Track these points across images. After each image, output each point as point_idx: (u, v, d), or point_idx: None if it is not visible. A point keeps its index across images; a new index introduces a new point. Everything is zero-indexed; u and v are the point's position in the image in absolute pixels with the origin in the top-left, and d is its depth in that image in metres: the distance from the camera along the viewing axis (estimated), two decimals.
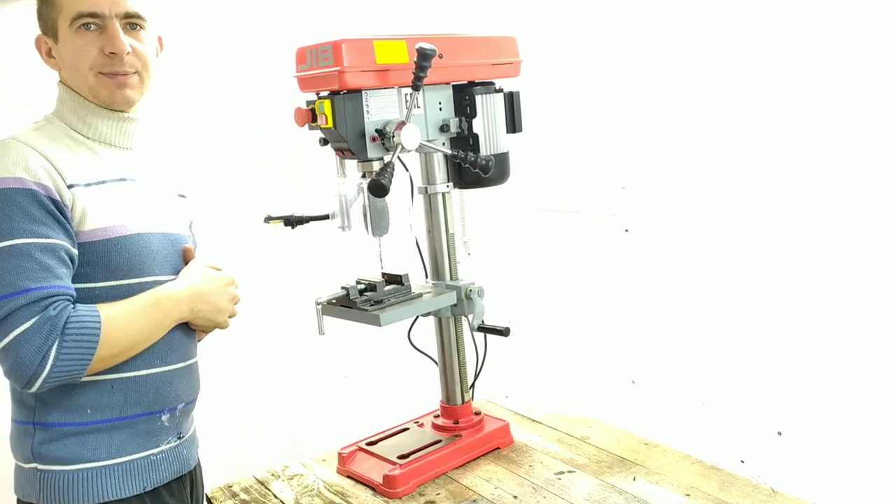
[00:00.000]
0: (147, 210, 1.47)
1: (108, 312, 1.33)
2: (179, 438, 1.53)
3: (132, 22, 1.45)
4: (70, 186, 1.34)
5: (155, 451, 1.47)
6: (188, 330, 1.54)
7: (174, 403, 1.50)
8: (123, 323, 1.34)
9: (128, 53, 1.42)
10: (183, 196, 1.67)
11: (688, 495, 1.63)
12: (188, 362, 1.54)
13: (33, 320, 1.24)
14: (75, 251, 1.33)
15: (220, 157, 2.63)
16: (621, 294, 2.70)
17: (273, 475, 1.91)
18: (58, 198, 1.31)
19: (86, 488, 1.38)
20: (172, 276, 1.48)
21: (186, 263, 1.54)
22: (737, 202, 2.31)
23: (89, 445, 1.38)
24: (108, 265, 1.38)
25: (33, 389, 1.26)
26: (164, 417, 1.48)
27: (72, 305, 1.29)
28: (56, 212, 1.31)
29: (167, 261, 1.48)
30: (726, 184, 2.33)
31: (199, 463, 1.67)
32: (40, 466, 1.38)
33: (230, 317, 1.58)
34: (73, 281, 1.33)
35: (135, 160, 1.52)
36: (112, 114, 1.46)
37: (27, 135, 1.38)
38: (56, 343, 1.25)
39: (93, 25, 1.40)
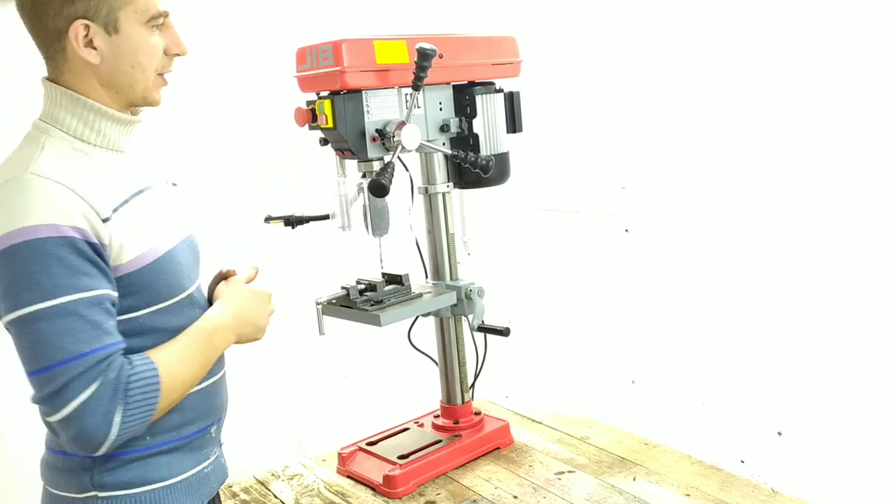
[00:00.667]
0: (164, 220, 1.39)
1: (163, 359, 1.27)
2: (220, 447, 1.51)
3: None
4: (105, 220, 1.23)
5: (206, 463, 1.44)
6: None
7: (220, 414, 1.48)
8: (179, 369, 1.29)
9: None
10: (175, 184, 1.62)
11: (688, 495, 1.63)
12: (224, 369, 1.51)
13: (94, 387, 1.17)
14: (116, 294, 1.25)
15: (220, 157, 2.63)
16: (621, 294, 2.70)
17: (273, 475, 1.91)
18: (95, 240, 1.21)
19: None
20: (198, 283, 1.44)
21: (223, 280, 1.49)
22: (737, 202, 2.31)
23: (152, 467, 1.35)
24: (150, 292, 1.31)
25: (99, 454, 1.22)
26: (213, 429, 1.46)
27: (127, 361, 1.22)
28: (95, 257, 1.21)
29: (192, 270, 1.42)
30: (726, 184, 2.33)
31: None
32: (101, 494, 1.32)
33: None
34: (118, 314, 1.27)
35: (134, 164, 1.43)
36: (126, 118, 1.35)
37: (44, 164, 1.23)
38: (120, 407, 1.19)
39: (162, 22, 1.33)
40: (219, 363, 1.46)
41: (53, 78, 1.31)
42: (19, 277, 1.16)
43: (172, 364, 1.28)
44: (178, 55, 1.37)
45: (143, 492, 1.34)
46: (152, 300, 1.31)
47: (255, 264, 1.56)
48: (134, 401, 1.20)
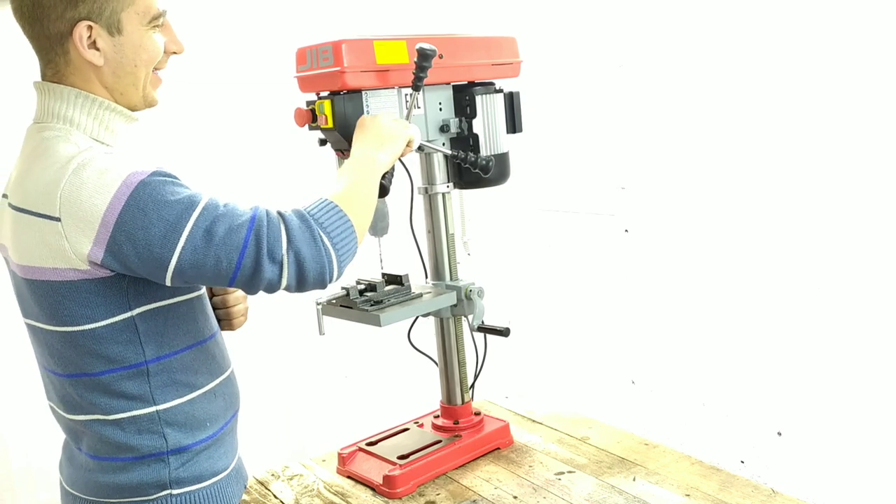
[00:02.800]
0: None
1: (331, 192, 1.33)
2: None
3: None
4: None
5: (239, 448, 1.51)
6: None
7: (240, 399, 1.53)
8: (355, 196, 1.36)
9: None
10: None
11: (688, 495, 1.63)
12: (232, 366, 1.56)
13: (282, 230, 1.22)
14: None
15: (219, 157, 2.64)
16: (621, 294, 2.71)
17: (273, 475, 1.91)
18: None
19: (219, 499, 1.40)
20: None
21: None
22: (736, 202, 2.31)
23: (215, 457, 1.40)
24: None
25: (335, 277, 1.26)
26: (239, 414, 1.52)
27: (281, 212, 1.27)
28: None
29: None
30: (726, 184, 2.33)
31: None
32: (175, 491, 1.35)
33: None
34: (180, 294, 1.33)
35: None
36: (133, 116, 1.38)
37: (93, 146, 1.27)
38: (317, 228, 1.24)
39: (161, 22, 1.35)
40: (229, 356, 1.51)
41: (56, 81, 1.31)
42: (160, 208, 1.18)
43: (343, 194, 1.34)
44: (175, 53, 1.39)
45: (211, 484, 1.39)
46: (188, 287, 1.37)
47: None
48: (322, 215, 1.26)
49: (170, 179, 1.22)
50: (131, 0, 1.29)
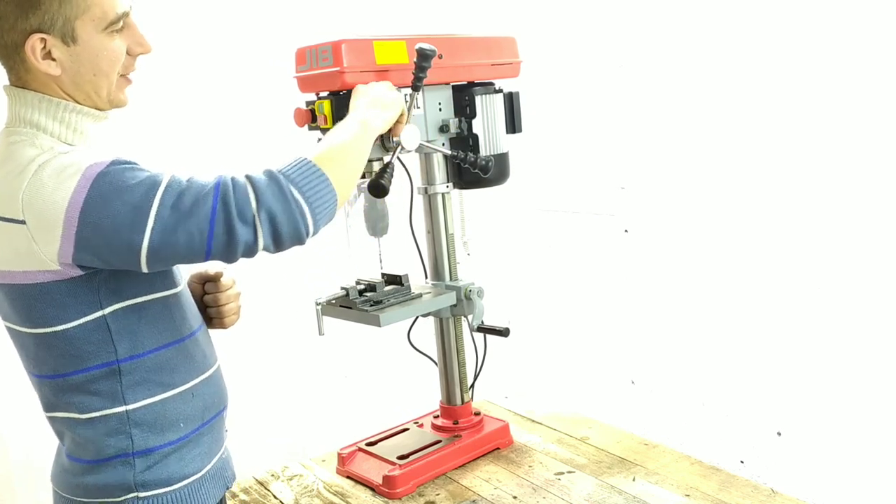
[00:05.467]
0: None
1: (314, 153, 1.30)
2: (227, 433, 1.54)
3: None
4: None
5: (222, 449, 1.48)
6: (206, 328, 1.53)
7: (227, 398, 1.51)
8: (337, 152, 1.34)
9: None
10: None
11: (687, 496, 1.63)
12: (218, 362, 1.53)
13: (250, 188, 1.19)
14: None
15: (219, 157, 2.63)
16: (621, 294, 2.71)
17: (273, 475, 1.91)
18: None
19: (190, 502, 1.37)
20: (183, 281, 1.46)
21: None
22: (736, 202, 2.31)
23: (187, 459, 1.37)
24: (170, 272, 1.36)
25: (311, 232, 1.25)
26: (224, 414, 1.49)
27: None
28: None
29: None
30: (726, 184, 2.33)
31: None
32: (142, 494, 1.33)
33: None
34: (151, 292, 1.31)
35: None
36: (102, 115, 1.34)
37: (57, 150, 1.23)
38: (287, 184, 1.22)
39: (122, 25, 1.29)
40: (215, 355, 1.48)
41: (20, 86, 1.29)
42: (123, 194, 1.16)
43: (326, 151, 1.32)
44: (141, 54, 1.33)
45: (181, 487, 1.36)
46: (173, 282, 1.36)
47: (232, 277, 1.56)
48: (295, 175, 1.24)
49: (129, 166, 1.20)
50: (85, 7, 1.24)
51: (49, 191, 1.17)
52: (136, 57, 1.34)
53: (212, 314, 1.54)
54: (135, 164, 1.22)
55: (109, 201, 1.16)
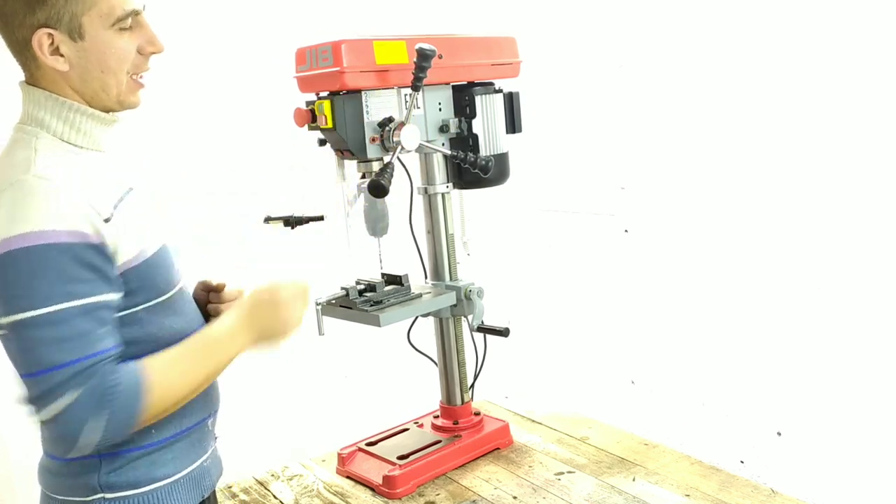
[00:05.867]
0: (151, 217, 1.38)
1: (154, 366, 1.25)
2: (215, 441, 1.52)
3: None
4: (107, 220, 1.23)
5: (205, 456, 1.44)
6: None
7: (216, 405, 1.48)
8: (173, 375, 1.28)
9: None
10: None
11: (687, 496, 1.63)
12: None
13: (75, 395, 1.17)
14: (117, 295, 1.25)
15: (219, 157, 2.63)
16: (621, 294, 2.70)
17: (273, 476, 1.91)
18: (98, 241, 1.20)
19: None
20: (183, 280, 1.43)
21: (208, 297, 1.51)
22: (736, 203, 2.31)
23: (158, 464, 1.35)
24: (150, 287, 1.32)
25: (76, 455, 1.23)
26: (210, 422, 1.46)
27: (111, 370, 1.21)
28: (96, 260, 1.20)
29: (177, 264, 1.42)
30: (725, 184, 2.33)
31: None
32: (108, 495, 1.32)
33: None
34: (122, 309, 1.28)
35: (113, 164, 1.39)
36: (109, 118, 1.33)
37: (44, 165, 1.22)
38: (103, 413, 1.18)
39: (131, 22, 1.27)
40: None
41: (32, 82, 1.29)
42: (16, 283, 1.16)
43: (163, 370, 1.27)
44: (153, 53, 1.31)
45: (150, 490, 1.34)
46: (151, 295, 1.32)
47: (240, 287, 1.54)
48: (116, 408, 1.19)
49: (64, 267, 1.17)
50: (93, 2, 1.24)
51: (2, 212, 1.17)
52: (149, 57, 1.32)
53: None
54: (65, 264, 1.18)
55: (8, 272, 1.16)
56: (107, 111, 1.33)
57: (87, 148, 1.31)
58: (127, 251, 1.26)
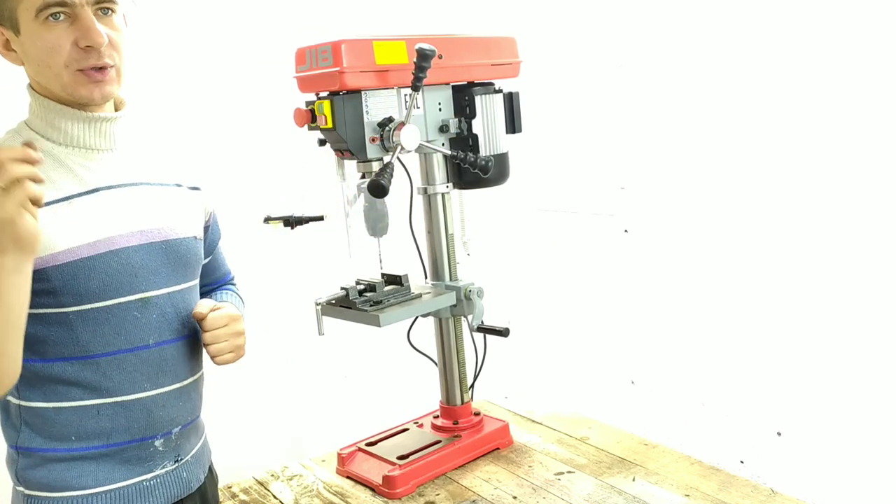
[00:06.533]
0: (129, 220, 1.33)
1: None
2: (177, 461, 1.41)
3: (104, 7, 1.27)
4: None
5: (148, 476, 1.37)
6: (185, 348, 1.40)
7: (169, 427, 1.38)
8: None
9: (105, 45, 1.25)
10: (196, 188, 1.51)
11: (687, 496, 1.63)
12: (184, 382, 1.41)
13: None
14: None
15: (219, 157, 2.63)
16: (621, 294, 2.70)
17: (272, 476, 1.91)
18: None
19: None
20: (168, 290, 1.36)
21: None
22: (736, 203, 2.31)
23: (74, 473, 1.31)
24: (76, 290, 1.26)
25: None
26: (158, 443, 1.37)
27: None
28: None
29: (158, 273, 1.35)
30: (725, 184, 2.33)
31: (212, 474, 1.56)
32: (26, 491, 1.32)
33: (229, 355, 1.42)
34: (47, 307, 1.24)
35: (118, 163, 1.36)
36: (86, 115, 1.29)
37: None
38: None
39: (62, 15, 1.23)
40: (172, 374, 1.38)
41: (29, 77, 1.33)
42: None
43: None
44: (88, 46, 1.25)
45: (63, 497, 1.31)
46: (81, 298, 1.27)
47: (228, 314, 1.43)
48: None
49: None
50: None
51: None
52: (90, 51, 1.25)
53: (209, 352, 1.43)
54: None
55: None
56: (79, 106, 1.30)
57: (64, 144, 1.30)
58: (48, 246, 1.22)
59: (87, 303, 1.28)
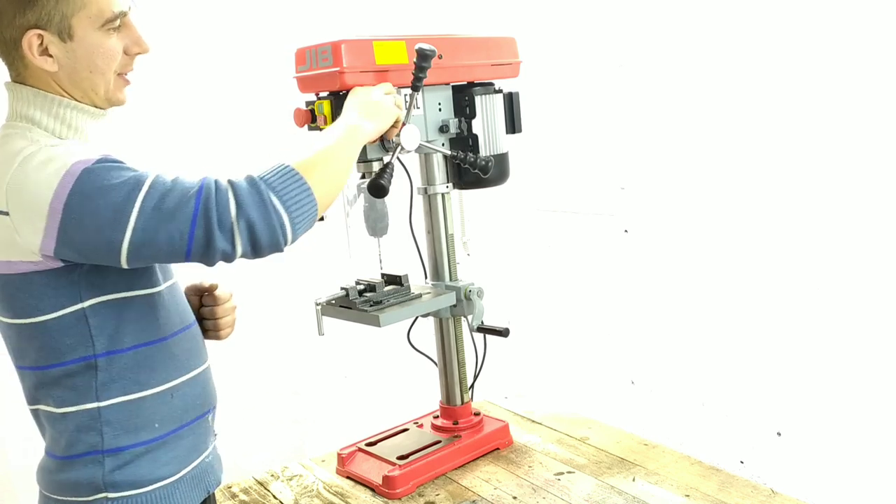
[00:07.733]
0: None
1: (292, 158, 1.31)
2: (215, 436, 1.51)
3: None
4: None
5: (206, 453, 1.44)
6: (198, 328, 1.51)
7: (214, 401, 1.48)
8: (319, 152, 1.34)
9: None
10: None
11: (687, 496, 1.63)
12: (208, 363, 1.50)
13: (232, 191, 1.20)
14: None
15: (219, 157, 2.63)
16: (621, 294, 2.71)
17: (272, 476, 1.91)
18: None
19: None
20: (172, 281, 1.43)
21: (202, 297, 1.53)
22: (736, 203, 2.31)
23: (161, 461, 1.35)
24: (164, 266, 1.37)
25: (290, 241, 1.25)
26: (209, 417, 1.46)
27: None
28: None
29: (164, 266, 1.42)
30: (725, 184, 2.33)
31: None
32: (111, 495, 1.31)
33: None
34: (111, 291, 1.29)
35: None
36: (100, 112, 1.34)
37: (50, 144, 1.24)
38: (267, 192, 1.21)
39: (119, 23, 1.29)
40: (205, 352, 1.47)
41: (19, 81, 1.30)
42: (106, 192, 1.17)
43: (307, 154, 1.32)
44: (139, 54, 1.34)
45: (153, 490, 1.34)
46: (167, 274, 1.37)
47: (229, 290, 1.56)
48: (276, 182, 1.24)
49: (115, 164, 1.20)
50: (82, 4, 1.25)
51: (33, 182, 1.17)
52: (134, 57, 1.34)
53: (207, 326, 1.52)
54: (121, 162, 1.22)
55: (92, 198, 1.16)
56: (94, 106, 1.33)
57: (74, 141, 1.32)
58: None
59: (156, 285, 1.35)
